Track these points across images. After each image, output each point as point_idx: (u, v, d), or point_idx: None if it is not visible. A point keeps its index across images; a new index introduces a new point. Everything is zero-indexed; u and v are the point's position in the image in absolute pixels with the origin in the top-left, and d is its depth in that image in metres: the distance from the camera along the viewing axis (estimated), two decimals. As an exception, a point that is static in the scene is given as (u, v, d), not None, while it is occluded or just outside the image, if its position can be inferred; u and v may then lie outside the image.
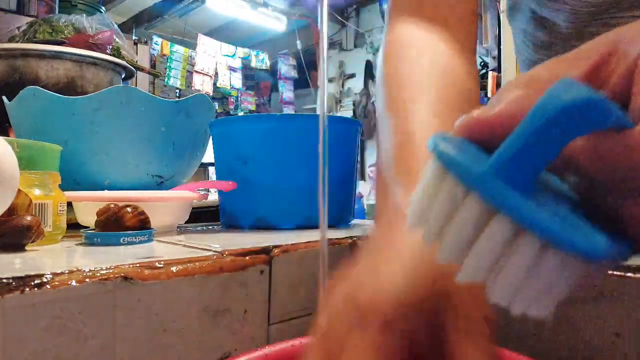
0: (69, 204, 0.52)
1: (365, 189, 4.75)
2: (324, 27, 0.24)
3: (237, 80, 5.39)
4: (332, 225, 0.61)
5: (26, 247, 0.40)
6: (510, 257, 0.18)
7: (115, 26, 1.29)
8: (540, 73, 0.20)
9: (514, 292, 0.18)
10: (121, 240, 0.43)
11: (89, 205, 0.52)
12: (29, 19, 1.73)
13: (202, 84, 4.91)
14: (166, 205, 0.55)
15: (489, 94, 3.20)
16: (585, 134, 0.18)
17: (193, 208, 0.61)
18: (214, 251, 0.38)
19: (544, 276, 0.17)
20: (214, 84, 5.11)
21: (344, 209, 0.63)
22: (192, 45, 4.99)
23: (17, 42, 1.16)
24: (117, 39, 1.16)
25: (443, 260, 0.19)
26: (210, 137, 0.68)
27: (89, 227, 0.51)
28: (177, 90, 5.05)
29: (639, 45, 0.18)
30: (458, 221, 0.18)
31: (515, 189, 0.17)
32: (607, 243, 0.17)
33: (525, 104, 0.18)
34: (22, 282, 0.27)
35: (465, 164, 0.18)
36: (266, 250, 0.39)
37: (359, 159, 0.69)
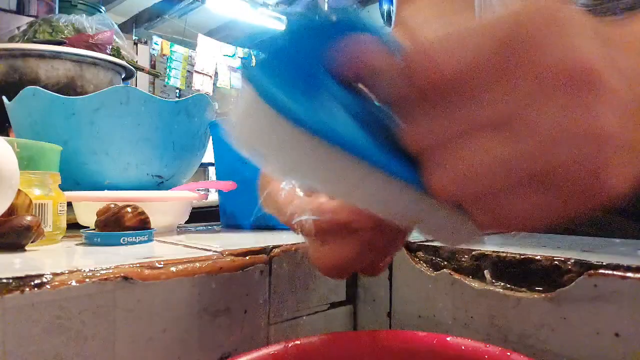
0: (69, 204, 0.52)
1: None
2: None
3: (237, 80, 5.38)
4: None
5: (26, 247, 0.40)
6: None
7: (115, 26, 1.29)
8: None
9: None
10: (121, 240, 0.43)
11: (89, 205, 0.52)
12: (29, 19, 1.72)
13: (202, 84, 4.91)
14: (166, 205, 0.55)
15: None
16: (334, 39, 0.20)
17: (193, 208, 0.61)
18: (214, 251, 0.38)
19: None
20: (214, 84, 5.11)
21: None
22: (192, 45, 4.99)
23: (17, 42, 1.16)
24: (117, 39, 1.16)
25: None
26: (210, 137, 0.68)
27: (89, 227, 0.51)
28: (177, 90, 5.05)
29: None
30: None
31: (281, 82, 0.19)
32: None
33: None
34: (22, 282, 0.27)
35: (249, 69, 0.20)
36: (266, 250, 0.39)
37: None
